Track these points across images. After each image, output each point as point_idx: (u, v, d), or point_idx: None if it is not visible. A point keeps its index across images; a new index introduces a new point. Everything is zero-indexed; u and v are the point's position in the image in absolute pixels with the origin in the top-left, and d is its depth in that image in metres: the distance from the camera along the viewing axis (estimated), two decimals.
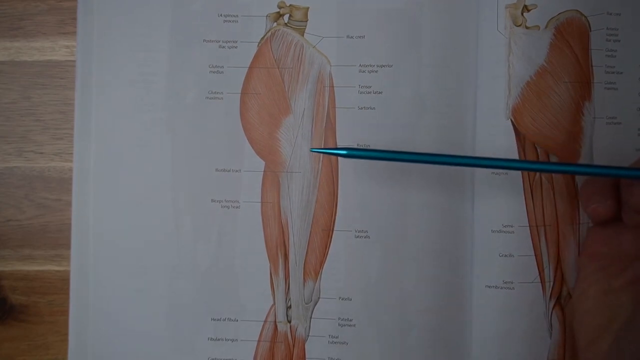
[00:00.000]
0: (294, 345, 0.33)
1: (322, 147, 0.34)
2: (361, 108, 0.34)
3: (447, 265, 0.33)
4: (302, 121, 0.34)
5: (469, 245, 0.33)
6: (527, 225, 0.33)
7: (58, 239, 0.35)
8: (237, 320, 0.34)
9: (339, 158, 0.34)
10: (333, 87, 0.34)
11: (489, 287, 0.33)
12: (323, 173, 0.34)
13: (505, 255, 0.33)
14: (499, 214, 0.33)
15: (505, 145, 0.33)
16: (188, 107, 0.35)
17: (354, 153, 0.29)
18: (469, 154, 0.33)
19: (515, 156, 0.33)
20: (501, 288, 0.33)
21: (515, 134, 0.33)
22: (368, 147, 0.33)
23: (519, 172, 0.33)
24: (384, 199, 0.34)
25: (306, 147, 0.34)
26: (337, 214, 0.34)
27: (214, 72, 0.34)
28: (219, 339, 0.34)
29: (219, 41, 0.34)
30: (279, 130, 0.34)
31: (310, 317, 0.34)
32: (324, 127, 0.34)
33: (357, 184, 0.34)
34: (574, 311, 0.30)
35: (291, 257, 0.34)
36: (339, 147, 0.32)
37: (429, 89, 0.34)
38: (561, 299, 0.33)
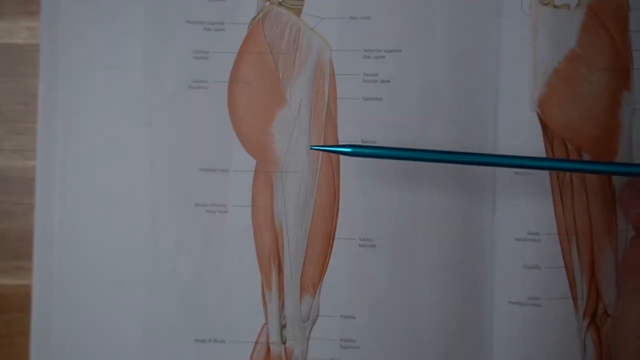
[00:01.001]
0: None
1: (322, 143, 0.32)
2: (366, 99, 0.33)
3: (465, 279, 0.32)
4: (298, 114, 0.33)
5: (490, 256, 0.32)
6: (556, 232, 0.32)
7: (18, 249, 0.34)
8: (224, 342, 0.32)
9: (342, 156, 0.32)
10: (334, 75, 0.33)
11: (513, 303, 0.32)
12: (322, 173, 0.33)
13: (531, 267, 0.32)
14: (523, 220, 0.32)
15: (531, 141, 0.32)
16: (168, 97, 0.33)
17: (359, 151, 0.28)
18: (489, 151, 0.32)
19: (542, 154, 0.32)
20: (526, 305, 0.31)
21: (542, 129, 0.32)
22: (374, 144, 0.32)
23: (546, 172, 0.32)
24: (392, 203, 0.32)
25: (303, 143, 0.33)
26: (338, 219, 0.33)
27: (198, 58, 0.33)
28: None
29: (204, 22, 0.33)
30: (272, 124, 0.33)
31: (308, 338, 0.32)
32: (324, 120, 0.33)
33: (362, 185, 0.33)
34: (614, 334, 0.28)
35: (286, 269, 0.33)
36: (341, 144, 0.31)
37: (444, 77, 0.32)
38: (596, 318, 0.32)
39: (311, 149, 0.30)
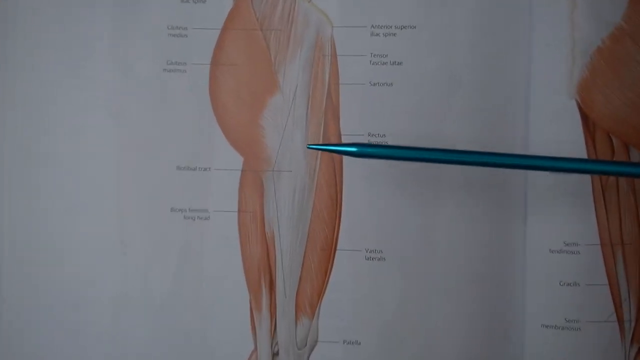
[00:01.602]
0: None
1: (322, 137, 0.32)
2: (374, 84, 0.32)
3: (491, 299, 0.31)
4: (293, 102, 0.32)
5: (520, 271, 0.31)
6: (598, 243, 0.31)
7: None
8: None
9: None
10: (336, 55, 0.32)
11: (547, 327, 0.31)
12: (322, 172, 0.32)
13: (569, 284, 0.31)
14: (559, 228, 0.31)
15: (568, 135, 0.31)
16: (138, 82, 0.33)
17: (366, 151, 0.27)
18: (520, 147, 0.31)
19: (582, 148, 0.31)
20: (563, 328, 0.30)
21: (582, 119, 0.31)
22: (383, 140, 0.31)
23: (587, 176, 0.31)
24: (404, 209, 0.32)
25: (299, 137, 0.32)
26: (340, 227, 0.32)
27: (174, 35, 0.33)
28: None
29: None
30: (262, 114, 0.32)
31: None
32: (324, 110, 0.32)
33: (369, 187, 0.32)
34: None
35: (278, 285, 0.32)
36: (344, 143, 0.30)
37: (466, 58, 0.31)
38: None
39: (309, 148, 0.30)
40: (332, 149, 0.28)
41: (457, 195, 0.31)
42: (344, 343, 0.31)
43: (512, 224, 0.31)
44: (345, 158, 0.31)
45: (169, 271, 0.32)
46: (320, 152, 0.32)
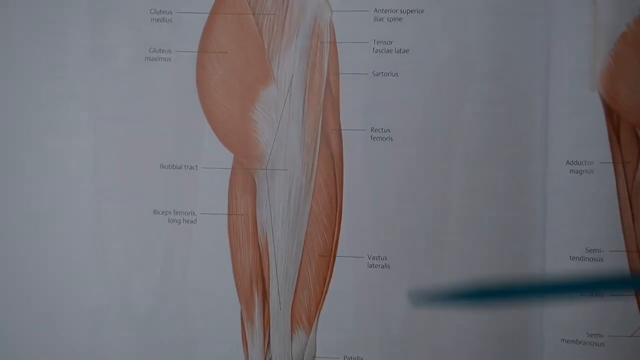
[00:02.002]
0: None
1: (320, 134, 0.31)
2: (377, 74, 0.31)
3: (506, 311, 0.30)
4: (289, 94, 0.31)
5: (539, 280, 0.30)
6: (624, 249, 0.29)
7: None
8: None
9: (346, 149, 0.31)
10: (335, 42, 0.31)
11: (567, 341, 0.30)
12: (320, 171, 0.31)
13: (591, 295, 0.30)
14: (581, 233, 0.30)
15: (590, 129, 0.30)
16: (117, 72, 0.32)
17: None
18: (538, 143, 0.30)
19: (605, 144, 0.30)
20: (585, 343, 0.30)
21: (605, 112, 0.30)
22: (388, 138, 0.30)
23: (610, 170, 0.30)
24: (411, 211, 0.31)
25: (295, 132, 0.31)
26: (340, 232, 0.31)
27: (157, 20, 0.32)
28: None
29: None
30: (254, 106, 0.31)
31: None
32: (322, 102, 0.31)
33: (372, 187, 0.31)
34: None
35: (272, 296, 0.31)
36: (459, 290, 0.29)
37: (479, 46, 0.31)
38: None
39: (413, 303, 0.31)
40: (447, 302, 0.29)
41: (469, 198, 0.31)
42: (344, 359, 0.31)
43: (530, 229, 0.30)
44: (346, 156, 0.31)
45: (152, 280, 0.32)
46: (317, 147, 0.31)
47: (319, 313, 0.31)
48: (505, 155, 0.30)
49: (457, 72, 0.31)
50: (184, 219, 0.32)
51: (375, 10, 0.31)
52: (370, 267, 0.31)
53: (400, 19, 0.30)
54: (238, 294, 0.32)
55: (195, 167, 0.32)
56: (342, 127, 0.31)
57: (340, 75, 0.31)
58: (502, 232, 0.31)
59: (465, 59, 0.31)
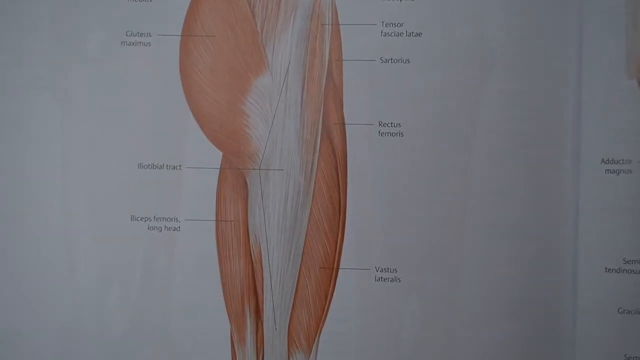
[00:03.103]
0: None
1: (320, 129, 0.29)
2: (386, 61, 0.29)
3: (531, 330, 0.29)
4: (285, 84, 0.30)
5: (570, 295, 0.29)
6: None
7: None
8: None
9: (350, 146, 0.29)
10: (338, 25, 0.30)
11: None
12: (322, 172, 0.30)
13: (629, 312, 0.28)
14: (617, 242, 0.29)
15: (628, 122, 0.29)
16: (91, 58, 0.31)
17: None
18: (570, 138, 0.28)
19: None
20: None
21: None
22: (399, 134, 0.29)
23: None
24: (424, 217, 0.30)
25: (292, 127, 0.30)
26: (344, 240, 0.30)
27: (135, 0, 0.31)
28: None
29: None
30: (246, 98, 0.30)
31: None
32: (323, 93, 0.30)
33: (380, 189, 0.30)
34: None
35: (266, 313, 0.30)
36: None
37: (501, 29, 0.29)
38: None
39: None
40: None
41: (490, 202, 0.29)
42: None
43: (560, 237, 0.29)
44: (350, 154, 0.29)
45: (129, 297, 0.30)
46: (318, 144, 0.30)
47: (320, 333, 0.30)
48: (532, 154, 0.28)
49: (476, 59, 0.30)
50: (165, 226, 0.30)
51: None
52: (378, 280, 0.30)
53: None
54: (227, 312, 0.30)
55: (178, 167, 0.30)
56: (346, 122, 0.30)
57: (343, 62, 0.30)
58: (528, 240, 0.29)
59: (486, 44, 0.30)
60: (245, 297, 0.30)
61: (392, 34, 0.30)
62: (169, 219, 0.30)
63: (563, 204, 0.29)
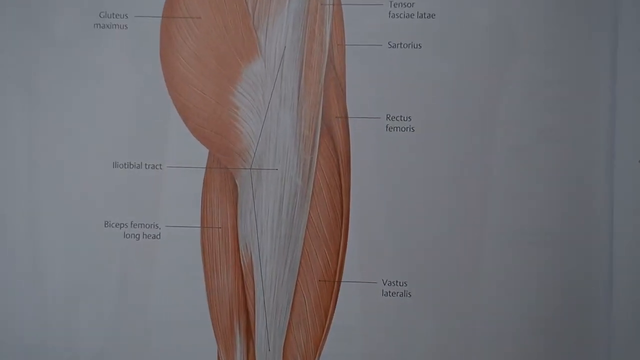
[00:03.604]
0: None
1: (319, 124, 0.28)
2: (394, 46, 0.28)
3: (564, 352, 0.27)
4: (280, 71, 0.28)
5: (604, 314, 0.27)
6: None
7: None
8: None
9: (355, 143, 0.27)
10: (340, 4, 0.28)
11: None
12: (321, 171, 0.28)
13: None
14: None
15: None
16: (59, 43, 0.29)
17: None
18: (603, 132, 0.27)
19: None
20: None
21: None
22: (409, 128, 0.27)
23: None
24: (438, 223, 0.28)
25: (287, 120, 0.28)
26: (347, 250, 0.28)
27: None
28: None
29: None
30: (235, 88, 0.28)
31: None
32: (323, 82, 0.28)
33: (388, 192, 0.28)
34: None
35: (259, 332, 0.28)
36: None
37: (526, 11, 0.28)
38: None
39: None
40: None
41: (513, 206, 0.27)
42: None
43: (593, 243, 0.27)
44: (354, 151, 0.28)
45: (103, 312, 0.29)
46: (317, 141, 0.28)
47: (319, 355, 0.28)
48: (561, 151, 0.27)
49: (497, 44, 0.28)
50: (144, 233, 0.29)
51: None
52: (386, 295, 0.28)
53: None
54: (214, 331, 0.28)
55: (158, 167, 0.29)
56: (349, 115, 0.28)
57: (346, 47, 0.28)
58: (557, 248, 0.27)
59: (508, 26, 0.28)
60: (235, 314, 0.29)
61: (402, 15, 0.28)
62: (147, 225, 0.29)
63: (595, 207, 0.28)
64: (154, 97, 0.29)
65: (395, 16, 0.28)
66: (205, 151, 0.29)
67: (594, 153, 0.28)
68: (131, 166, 0.29)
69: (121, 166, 0.29)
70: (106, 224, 0.29)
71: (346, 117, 0.28)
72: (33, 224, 0.29)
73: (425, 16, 0.28)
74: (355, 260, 0.28)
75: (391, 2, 0.28)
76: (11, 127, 0.29)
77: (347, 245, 0.28)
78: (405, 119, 0.28)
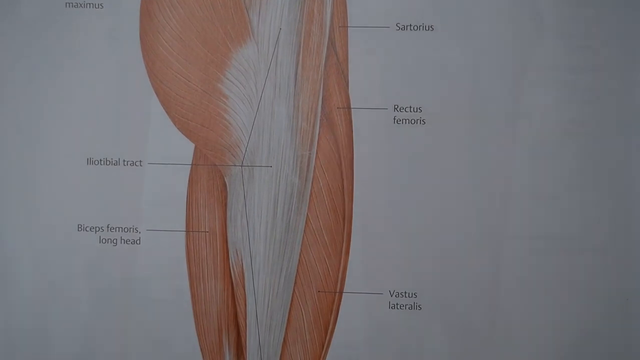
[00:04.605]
0: None
1: (320, 111, 0.27)
2: (403, 28, 0.26)
3: None
4: (274, 57, 0.27)
5: (636, 332, 0.26)
6: None
7: None
8: None
9: (357, 136, 0.26)
10: None
11: None
12: (321, 169, 0.26)
13: None
14: None
15: None
16: (27, 24, 0.27)
17: None
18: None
19: None
20: None
21: None
22: (419, 120, 0.26)
23: None
24: (452, 227, 0.26)
25: (283, 111, 0.27)
26: (350, 257, 0.26)
27: None
28: None
29: None
30: (224, 75, 0.27)
31: None
32: (323, 69, 0.27)
33: (396, 192, 0.26)
34: None
35: (250, 349, 0.27)
36: None
37: None
38: None
39: None
40: None
41: (534, 209, 0.26)
42: None
43: (630, 253, 0.25)
44: (358, 145, 0.26)
45: (76, 325, 0.27)
46: (315, 132, 0.27)
47: None
48: (590, 148, 0.25)
49: (520, 25, 0.26)
50: (122, 238, 0.27)
51: None
52: (393, 307, 0.27)
53: None
54: (200, 346, 0.27)
55: (138, 163, 0.27)
56: (352, 105, 0.26)
57: (349, 29, 0.27)
58: (586, 256, 0.26)
59: (534, 6, 0.26)
60: (224, 329, 0.27)
61: None
62: (126, 229, 0.27)
63: (630, 210, 0.26)
64: (132, 85, 0.27)
65: None
66: (190, 146, 0.27)
67: (628, 150, 0.26)
68: (107, 162, 0.27)
69: (96, 162, 0.27)
70: (79, 227, 0.27)
71: (349, 108, 0.27)
72: None
73: None
74: (358, 268, 0.27)
75: None
76: None
77: (350, 252, 0.27)
78: (415, 110, 0.26)
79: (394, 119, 0.25)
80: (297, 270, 0.27)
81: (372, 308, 0.27)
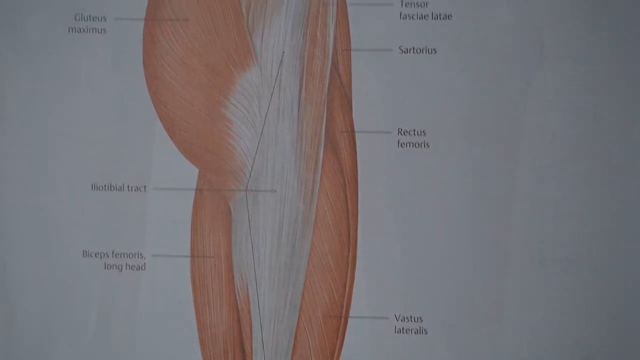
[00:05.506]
0: None
1: (322, 140, 0.27)
2: (406, 51, 0.26)
3: None
4: (277, 81, 0.27)
5: None
6: None
7: None
8: None
9: (361, 156, 0.26)
10: (345, 4, 0.27)
11: None
12: (325, 192, 0.27)
13: None
14: None
15: None
16: (31, 49, 0.27)
17: None
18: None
19: None
20: None
21: None
22: (424, 143, 0.26)
23: None
24: (458, 251, 0.26)
25: (287, 135, 0.27)
26: (355, 281, 0.27)
27: None
28: None
29: None
30: (228, 100, 0.27)
31: None
32: (327, 93, 0.27)
33: (401, 216, 0.26)
34: None
35: None
36: None
37: (552, 7, 0.26)
38: None
39: None
40: None
41: (540, 231, 0.25)
42: None
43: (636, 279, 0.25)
44: (362, 169, 0.26)
45: (81, 352, 0.27)
46: (319, 156, 0.27)
47: None
48: (595, 169, 0.25)
49: (522, 48, 0.26)
50: (127, 264, 0.27)
51: None
52: (399, 332, 0.27)
53: None
54: None
55: (142, 189, 0.27)
56: (356, 129, 0.27)
57: (352, 52, 0.27)
58: (593, 276, 0.26)
59: (535, 29, 0.27)
60: (230, 354, 0.27)
61: (414, 16, 0.27)
62: (131, 255, 0.27)
63: (635, 227, 0.26)
64: (136, 110, 0.27)
65: (407, 17, 0.27)
66: (194, 171, 0.27)
67: (631, 170, 0.26)
68: (112, 188, 0.27)
69: (101, 188, 0.27)
70: (84, 253, 0.27)
71: (353, 132, 0.27)
72: (3, 254, 0.27)
73: (441, 17, 0.26)
74: (364, 293, 0.27)
75: (402, 1, 0.27)
76: None
77: (355, 277, 0.27)
78: (419, 133, 0.26)
79: (398, 142, 0.25)
80: (303, 295, 0.27)
81: (377, 332, 0.27)
